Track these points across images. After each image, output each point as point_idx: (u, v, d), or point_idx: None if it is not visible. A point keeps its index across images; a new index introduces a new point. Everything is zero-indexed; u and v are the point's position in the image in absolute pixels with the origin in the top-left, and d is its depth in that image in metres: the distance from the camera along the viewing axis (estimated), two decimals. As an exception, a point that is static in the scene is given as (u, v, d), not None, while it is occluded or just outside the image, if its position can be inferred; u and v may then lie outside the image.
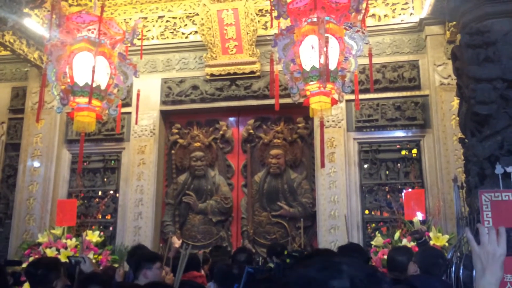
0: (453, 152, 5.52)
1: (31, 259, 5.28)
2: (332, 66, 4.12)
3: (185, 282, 3.29)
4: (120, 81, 4.82)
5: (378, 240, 5.38)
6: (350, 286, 0.85)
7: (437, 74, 5.83)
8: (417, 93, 6.02)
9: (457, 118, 4.56)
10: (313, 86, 4.18)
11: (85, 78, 4.46)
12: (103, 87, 4.64)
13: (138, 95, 5.11)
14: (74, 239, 5.69)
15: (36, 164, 6.42)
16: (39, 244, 5.71)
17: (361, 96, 5.49)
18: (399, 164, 5.96)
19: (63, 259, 5.23)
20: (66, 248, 5.56)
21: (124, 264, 5.47)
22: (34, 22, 5.83)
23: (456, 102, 5.19)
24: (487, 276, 1.23)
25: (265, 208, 6.35)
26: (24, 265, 5.22)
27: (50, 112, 6.42)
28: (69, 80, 4.52)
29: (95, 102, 4.55)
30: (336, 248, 3.25)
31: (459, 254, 3.67)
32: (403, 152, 5.96)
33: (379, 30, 6.14)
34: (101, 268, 5.27)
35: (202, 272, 4.59)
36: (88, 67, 4.41)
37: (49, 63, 4.61)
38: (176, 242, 5.37)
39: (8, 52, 6.30)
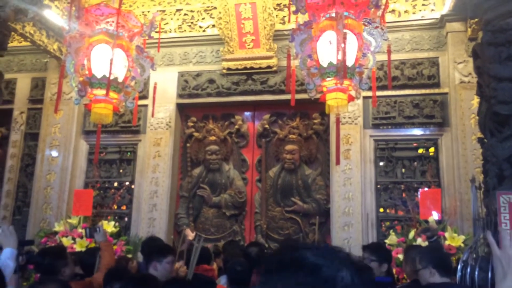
0: (471, 152, 5.42)
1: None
2: (350, 62, 4.07)
3: (194, 275, 3.31)
4: (137, 74, 4.84)
5: (392, 238, 5.33)
6: None
7: (457, 72, 5.73)
8: (436, 90, 5.92)
9: (477, 117, 4.46)
10: (330, 82, 4.13)
11: (103, 70, 4.49)
12: (120, 79, 4.68)
13: (154, 87, 5.14)
14: (89, 229, 5.76)
15: (54, 154, 6.52)
16: (56, 232, 5.81)
17: (379, 93, 5.42)
18: (415, 163, 5.88)
19: (78, 248, 5.32)
20: (82, 237, 5.64)
21: (138, 255, 5.53)
22: (54, 14, 5.89)
23: (476, 100, 5.08)
24: (508, 281, 1.21)
25: (279, 203, 6.34)
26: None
27: (68, 103, 6.50)
28: (87, 72, 4.56)
29: (112, 94, 4.59)
30: (361, 247, 3.42)
31: (474, 255, 3.61)
32: (420, 151, 5.88)
33: (399, 26, 6.05)
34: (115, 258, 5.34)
35: (214, 266, 4.61)
36: (106, 60, 4.44)
37: (68, 55, 4.66)
38: (190, 234, 5.42)
39: (28, 43, 6.39)
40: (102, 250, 3.42)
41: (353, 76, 4.15)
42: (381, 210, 5.83)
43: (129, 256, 5.62)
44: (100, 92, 4.52)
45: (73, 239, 5.64)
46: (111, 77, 4.43)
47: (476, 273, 3.34)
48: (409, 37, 6.09)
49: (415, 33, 6.08)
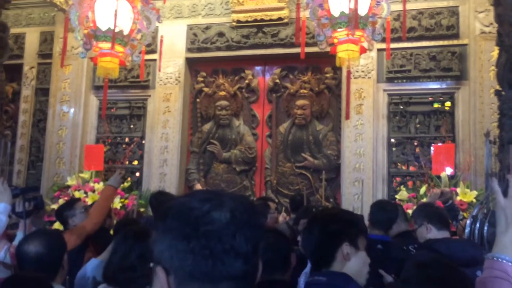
0: (489, 106, 5.24)
1: (60, 200, 5.50)
2: (363, 11, 3.89)
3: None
4: (143, 27, 4.73)
5: (402, 194, 5.29)
6: (230, 218, 0.85)
7: (478, 21, 5.44)
8: (455, 42, 5.66)
9: (496, 69, 4.27)
10: (341, 33, 3.98)
11: (108, 23, 4.39)
12: (126, 32, 4.57)
13: (161, 41, 5.02)
14: (101, 183, 5.84)
15: (65, 109, 6.52)
16: (68, 186, 5.92)
17: (394, 45, 5.21)
18: (430, 118, 5.73)
19: (90, 201, 5.41)
20: (93, 191, 5.74)
21: (149, 209, 5.61)
22: (58, -36, 5.72)
23: (496, 52, 4.85)
24: (510, 233, 1.11)
25: (289, 159, 6.30)
26: (54, 205, 5.46)
27: (77, 58, 6.37)
28: (91, 25, 4.47)
29: (118, 48, 4.51)
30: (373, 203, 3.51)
31: (485, 210, 3.54)
32: (436, 105, 5.70)
33: (417, -27, 5.72)
34: (127, 210, 5.44)
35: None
36: (110, 11, 4.33)
37: (72, 7, 4.55)
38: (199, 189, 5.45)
39: (35, -4, 6.27)
40: (102, 192, 3.50)
41: (366, 26, 3.98)
42: (393, 165, 5.75)
43: (142, 210, 5.71)
44: (105, 46, 4.44)
45: (85, 193, 5.73)
46: (116, 30, 4.33)
47: (485, 228, 3.29)
48: (427, -16, 5.77)
49: (434, -19, 5.75)
